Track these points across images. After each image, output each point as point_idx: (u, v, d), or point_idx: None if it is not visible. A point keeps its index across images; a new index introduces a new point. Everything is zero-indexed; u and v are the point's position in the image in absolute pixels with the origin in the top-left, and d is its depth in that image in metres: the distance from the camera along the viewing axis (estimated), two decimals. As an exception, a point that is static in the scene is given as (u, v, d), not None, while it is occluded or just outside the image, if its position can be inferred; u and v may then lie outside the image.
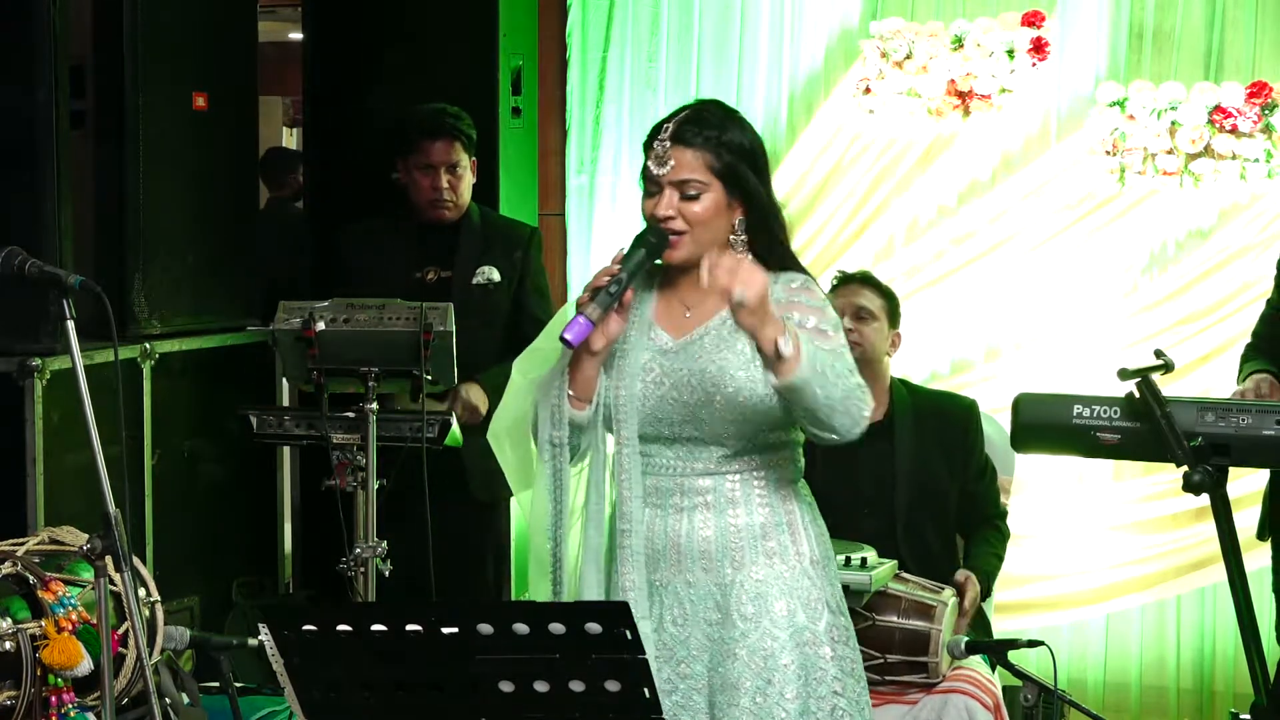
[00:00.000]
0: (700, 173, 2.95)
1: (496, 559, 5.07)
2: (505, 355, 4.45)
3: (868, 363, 4.40)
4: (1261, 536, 4.37)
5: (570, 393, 3.00)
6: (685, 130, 2.97)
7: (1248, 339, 4.42)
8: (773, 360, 2.83)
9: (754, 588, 3.00)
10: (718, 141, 2.97)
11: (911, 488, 4.36)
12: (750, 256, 2.98)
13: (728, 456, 3.01)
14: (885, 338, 4.41)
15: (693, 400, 2.98)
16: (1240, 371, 4.08)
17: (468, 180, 4.79)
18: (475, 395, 4.61)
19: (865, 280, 4.48)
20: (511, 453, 3.19)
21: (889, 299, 4.44)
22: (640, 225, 3.06)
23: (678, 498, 3.02)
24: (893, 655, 4.02)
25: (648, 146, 3.01)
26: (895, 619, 4.03)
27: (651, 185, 2.99)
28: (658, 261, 3.04)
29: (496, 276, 4.36)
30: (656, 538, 3.03)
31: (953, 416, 4.47)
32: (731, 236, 3.01)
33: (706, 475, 3.01)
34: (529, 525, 3.11)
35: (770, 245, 3.03)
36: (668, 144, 2.96)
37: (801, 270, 3.09)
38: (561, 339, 2.90)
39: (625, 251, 2.98)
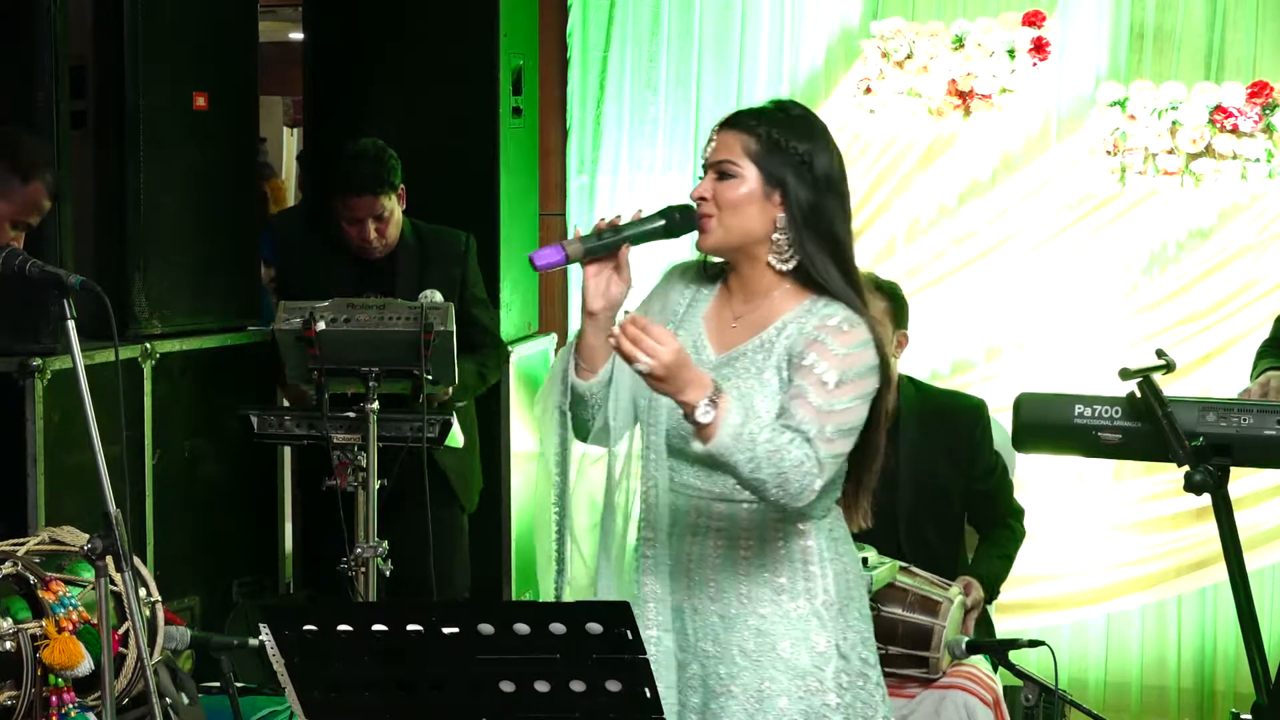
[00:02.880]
0: (735, 154, 2.81)
1: (463, 561, 5.09)
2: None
3: None
4: None
5: (578, 360, 2.84)
6: (739, 116, 2.87)
7: (1250, 339, 4.42)
8: (692, 424, 2.64)
9: (758, 624, 2.83)
10: (765, 130, 2.82)
11: (913, 487, 4.35)
12: (792, 262, 2.83)
13: None
14: (887, 341, 4.38)
15: None
16: (1254, 367, 4.06)
17: (395, 219, 4.80)
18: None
19: (873, 284, 4.44)
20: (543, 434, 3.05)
21: (893, 299, 4.41)
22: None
23: (693, 518, 2.86)
24: (894, 647, 4.02)
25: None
26: (900, 611, 4.03)
27: (701, 172, 2.87)
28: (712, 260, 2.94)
29: (439, 299, 4.35)
30: (671, 557, 2.88)
31: (959, 416, 4.46)
32: (775, 235, 2.82)
33: (723, 501, 2.83)
34: (536, 500, 2.99)
35: (815, 259, 2.82)
36: (716, 128, 2.85)
37: (855, 303, 2.84)
38: (529, 257, 2.79)
39: (642, 213, 2.84)
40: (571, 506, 2.89)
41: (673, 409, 2.76)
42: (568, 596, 2.91)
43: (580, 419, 2.88)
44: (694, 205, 2.83)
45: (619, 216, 2.83)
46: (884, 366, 2.84)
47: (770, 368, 2.81)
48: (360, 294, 4.78)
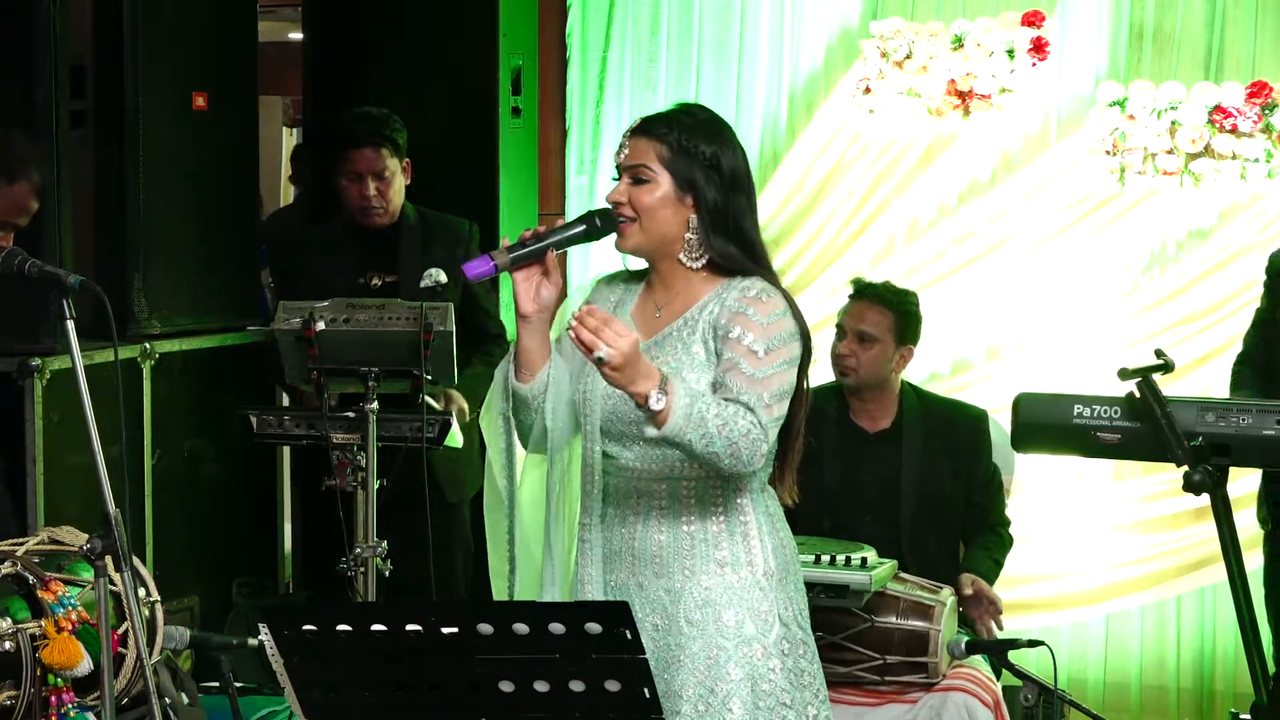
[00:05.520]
0: (650, 160, 2.98)
1: (465, 557, 5.08)
2: (464, 354, 4.50)
3: (865, 384, 4.39)
4: (1264, 524, 4.39)
5: (517, 365, 3.02)
6: (649, 122, 3.03)
7: (1238, 348, 4.43)
8: (645, 412, 2.80)
9: (702, 595, 2.97)
10: (675, 137, 2.99)
11: (915, 496, 4.35)
12: (703, 260, 3.00)
13: (684, 461, 2.96)
14: (889, 359, 4.36)
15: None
16: (1231, 391, 4.07)
17: (398, 184, 4.82)
18: (460, 400, 4.64)
19: (877, 297, 4.40)
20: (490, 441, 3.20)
21: (902, 314, 4.38)
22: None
23: (634, 500, 3.02)
24: (892, 656, 4.02)
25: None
26: (894, 620, 4.03)
27: (616, 173, 3.04)
28: (635, 263, 3.10)
29: (443, 278, 4.34)
30: (613, 538, 3.03)
31: (962, 426, 4.46)
32: (687, 235, 3.00)
33: (663, 479, 2.99)
34: (486, 504, 3.14)
35: (724, 255, 3.01)
36: (628, 134, 3.02)
37: (768, 275, 3.05)
38: (462, 268, 2.95)
39: (564, 224, 3.03)
40: (519, 509, 3.08)
41: (606, 395, 2.97)
42: (519, 596, 3.10)
43: (523, 423, 3.05)
44: (611, 209, 3.00)
45: (542, 226, 3.02)
46: (805, 338, 3.00)
47: (696, 341, 2.98)
48: (364, 274, 4.76)
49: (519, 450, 3.15)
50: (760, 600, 2.99)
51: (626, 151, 3.00)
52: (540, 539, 3.07)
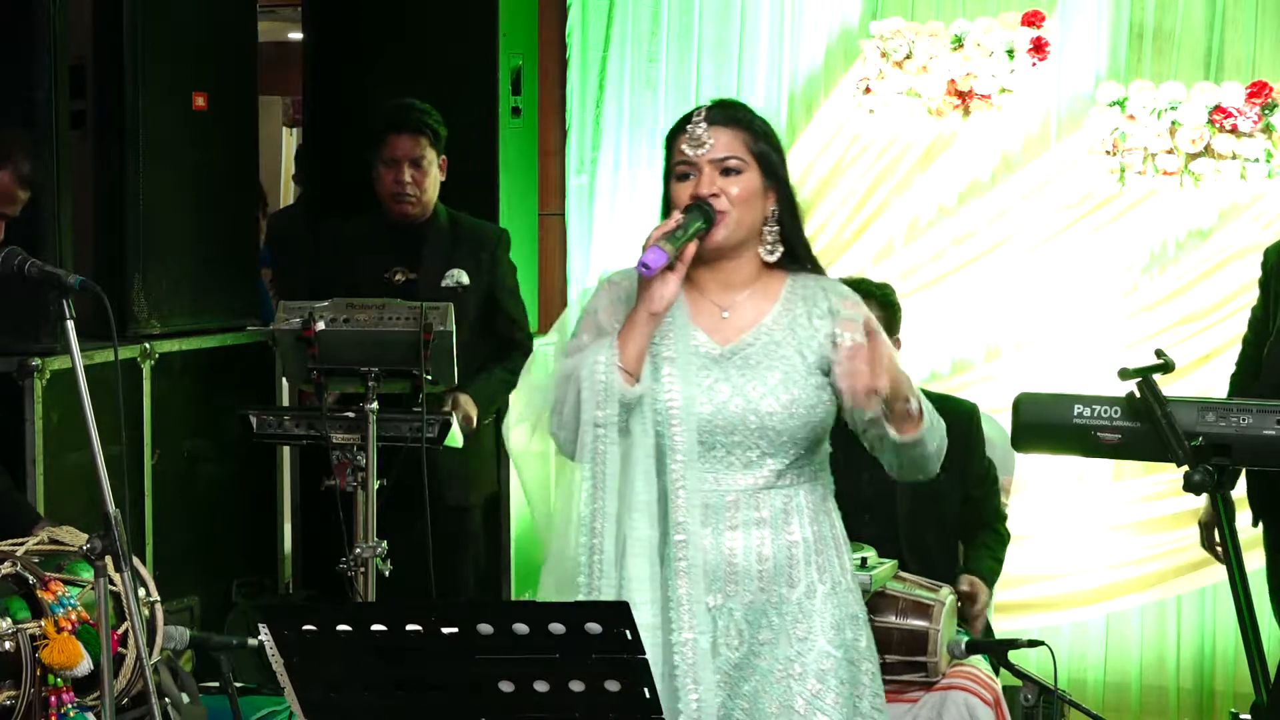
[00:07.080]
0: (740, 150, 2.89)
1: (474, 561, 5.07)
2: (475, 357, 4.49)
3: None
4: (1256, 524, 4.40)
5: (621, 366, 2.83)
6: (718, 114, 2.92)
7: (1238, 348, 4.43)
8: (899, 418, 2.84)
9: (808, 606, 2.92)
10: (750, 124, 2.93)
11: (912, 491, 4.34)
12: (779, 252, 2.95)
13: (781, 470, 2.92)
14: None
15: (751, 411, 2.88)
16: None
17: (434, 177, 4.80)
18: (468, 405, 4.63)
19: (862, 290, 4.40)
20: (536, 464, 3.07)
21: (886, 306, 4.38)
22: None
23: (731, 514, 2.90)
24: (891, 655, 4.02)
25: (676, 135, 2.92)
26: (893, 619, 4.02)
27: (686, 169, 2.90)
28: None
29: (466, 280, 4.32)
30: (709, 557, 2.88)
31: (954, 421, 4.43)
32: (765, 229, 2.94)
33: (762, 490, 2.91)
34: (550, 521, 2.98)
35: (800, 239, 2.99)
36: (704, 125, 2.89)
37: (823, 272, 3.06)
38: (640, 265, 2.77)
39: (683, 214, 2.85)
40: (609, 527, 2.85)
41: (706, 402, 2.86)
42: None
43: (623, 432, 2.84)
44: (707, 201, 2.87)
45: (668, 221, 2.85)
46: None
47: (793, 346, 2.91)
48: (388, 269, 4.67)
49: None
50: (853, 603, 2.98)
51: (711, 143, 2.88)
52: (617, 546, 2.86)
